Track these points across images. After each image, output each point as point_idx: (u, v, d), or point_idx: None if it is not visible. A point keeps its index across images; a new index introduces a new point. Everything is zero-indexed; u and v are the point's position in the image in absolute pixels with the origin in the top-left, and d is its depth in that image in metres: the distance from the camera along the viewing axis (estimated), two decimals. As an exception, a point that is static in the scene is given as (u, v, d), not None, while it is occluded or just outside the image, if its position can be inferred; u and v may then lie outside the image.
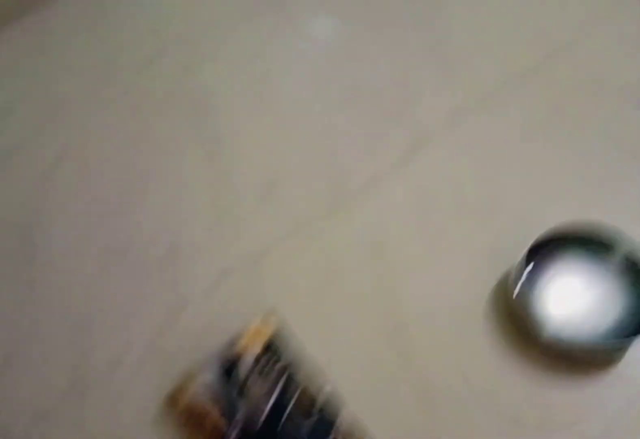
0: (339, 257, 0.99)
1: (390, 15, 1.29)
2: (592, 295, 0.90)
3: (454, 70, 1.19)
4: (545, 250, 0.91)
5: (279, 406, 0.81)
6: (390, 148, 1.10)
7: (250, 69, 1.24)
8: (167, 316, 0.94)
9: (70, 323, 0.95)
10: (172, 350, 0.91)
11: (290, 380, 0.83)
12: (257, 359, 0.85)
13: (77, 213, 1.06)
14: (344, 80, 1.20)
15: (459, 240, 0.99)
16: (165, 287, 0.97)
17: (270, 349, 0.86)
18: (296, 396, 0.82)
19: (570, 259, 0.92)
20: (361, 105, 1.16)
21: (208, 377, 0.84)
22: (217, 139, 1.14)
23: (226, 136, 1.14)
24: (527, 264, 0.89)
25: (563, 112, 1.13)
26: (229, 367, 0.84)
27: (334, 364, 0.87)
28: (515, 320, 0.90)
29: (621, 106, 1.12)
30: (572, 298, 0.90)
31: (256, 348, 0.86)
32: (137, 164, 1.12)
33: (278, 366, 0.85)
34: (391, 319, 0.93)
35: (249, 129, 1.15)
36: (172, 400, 0.84)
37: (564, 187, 1.04)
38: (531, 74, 1.17)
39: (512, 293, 0.88)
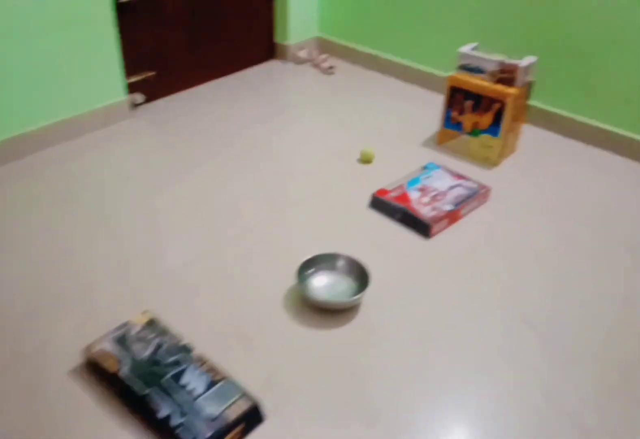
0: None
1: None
2: (332, 283, 1.61)
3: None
4: (311, 263, 1.62)
5: (155, 352, 1.34)
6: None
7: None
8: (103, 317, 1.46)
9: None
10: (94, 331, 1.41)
11: (160, 340, 1.37)
12: (138, 333, 1.39)
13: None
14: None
15: (277, 263, 1.67)
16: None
17: (148, 326, 1.40)
18: (165, 346, 1.35)
19: (323, 266, 1.63)
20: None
21: (107, 342, 1.35)
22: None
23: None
24: (303, 270, 1.61)
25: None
26: (120, 337, 1.37)
27: (186, 334, 1.43)
28: (302, 296, 1.56)
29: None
30: (323, 283, 1.60)
31: (138, 327, 1.40)
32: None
33: (152, 334, 1.39)
34: (235, 302, 1.53)
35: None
36: (85, 353, 1.34)
37: (323, 239, 1.80)
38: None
39: (298, 283, 1.55)
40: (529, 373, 1.42)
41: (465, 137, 2.22)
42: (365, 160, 2.21)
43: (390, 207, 1.89)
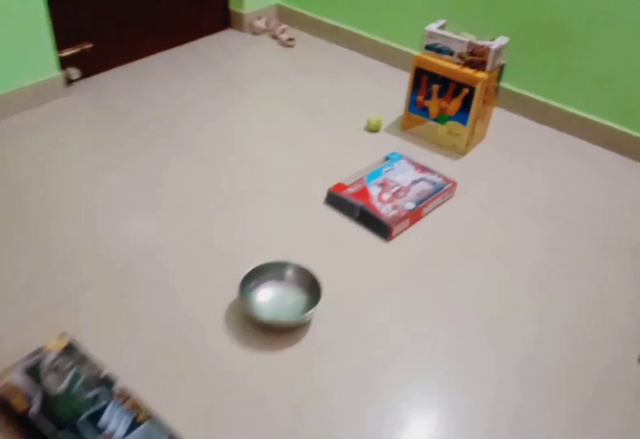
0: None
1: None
2: (279, 296, 1.45)
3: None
4: (255, 274, 1.45)
5: (71, 386, 1.17)
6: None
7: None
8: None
9: None
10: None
11: (77, 370, 1.20)
12: (53, 361, 1.22)
13: None
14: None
15: (218, 273, 1.50)
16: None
17: (65, 354, 1.23)
18: (83, 378, 1.19)
19: (269, 276, 1.47)
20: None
21: (16, 374, 1.18)
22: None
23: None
24: (247, 282, 1.44)
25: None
26: (31, 368, 1.20)
27: (108, 362, 1.26)
28: (244, 313, 1.40)
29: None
30: (269, 296, 1.44)
31: (52, 355, 1.23)
32: None
33: (69, 364, 1.22)
34: (171, 319, 1.36)
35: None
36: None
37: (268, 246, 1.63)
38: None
39: (241, 298, 1.40)
40: (499, 387, 1.31)
41: (431, 124, 2.05)
42: (373, 129, 2.12)
43: (348, 204, 1.73)
